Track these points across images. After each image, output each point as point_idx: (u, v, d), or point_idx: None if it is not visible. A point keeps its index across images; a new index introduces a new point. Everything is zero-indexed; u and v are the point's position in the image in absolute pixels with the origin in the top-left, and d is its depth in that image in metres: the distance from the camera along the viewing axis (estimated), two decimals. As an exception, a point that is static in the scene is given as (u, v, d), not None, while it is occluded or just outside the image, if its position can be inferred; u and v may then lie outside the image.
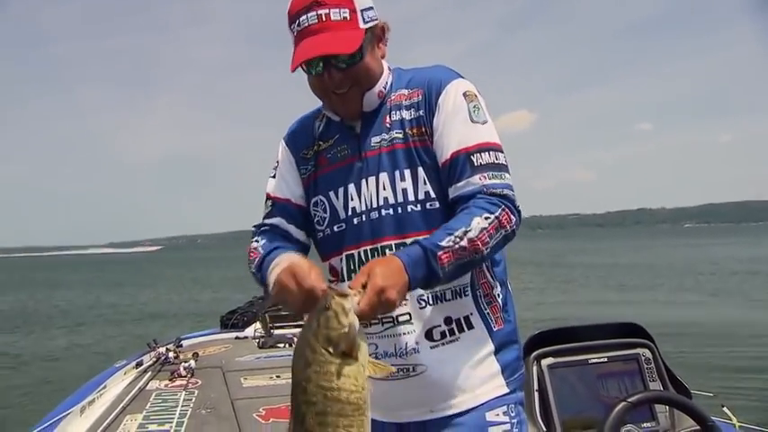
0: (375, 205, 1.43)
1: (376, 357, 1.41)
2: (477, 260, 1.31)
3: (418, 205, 1.41)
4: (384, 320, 1.42)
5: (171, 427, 3.26)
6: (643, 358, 2.44)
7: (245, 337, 5.62)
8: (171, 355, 4.53)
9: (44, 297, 25.99)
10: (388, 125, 1.46)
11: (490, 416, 1.43)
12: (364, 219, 1.44)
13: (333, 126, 1.53)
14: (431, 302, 1.42)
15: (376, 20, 1.44)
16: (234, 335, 5.73)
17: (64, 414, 3.26)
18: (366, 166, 1.45)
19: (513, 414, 1.45)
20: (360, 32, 1.38)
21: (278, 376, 4.06)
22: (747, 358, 8.87)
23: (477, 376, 1.44)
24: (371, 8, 1.43)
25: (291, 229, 1.53)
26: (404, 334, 1.42)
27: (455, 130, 1.39)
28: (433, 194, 1.41)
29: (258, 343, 5.25)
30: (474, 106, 1.42)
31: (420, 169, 1.41)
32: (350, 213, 1.46)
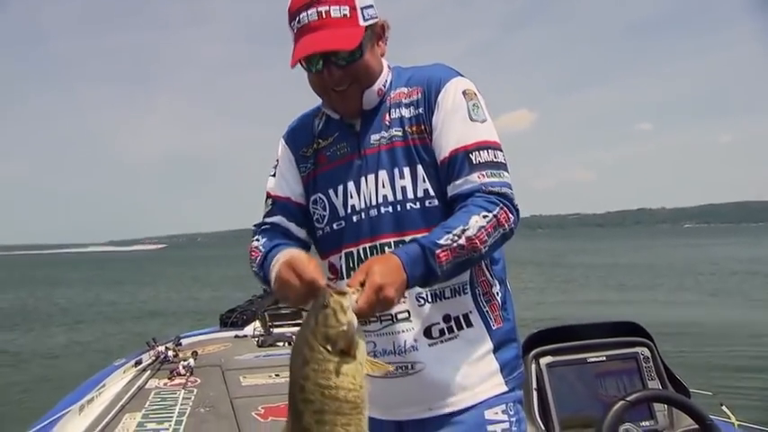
0: (374, 203, 1.43)
1: (374, 355, 1.41)
2: (475, 258, 1.31)
3: (417, 203, 1.41)
4: (382, 318, 1.42)
5: (170, 425, 3.26)
6: (642, 357, 2.44)
7: (245, 336, 5.62)
8: (170, 353, 4.53)
9: (44, 295, 25.99)
10: (387, 123, 1.46)
11: (489, 414, 1.43)
12: (363, 216, 1.44)
13: (332, 124, 1.53)
14: (430, 300, 1.42)
15: (376, 18, 1.44)
16: (233, 333, 5.73)
17: (63, 412, 3.26)
18: (365, 164, 1.45)
19: (511, 412, 1.45)
20: (360, 30, 1.38)
21: (277, 375, 4.06)
22: (747, 358, 8.89)
23: (476, 374, 1.44)
24: (371, 6, 1.43)
25: (292, 227, 1.53)
26: (402, 332, 1.42)
27: (454, 129, 1.39)
28: (432, 192, 1.41)
29: (257, 341, 5.25)
30: (473, 105, 1.42)
31: (419, 167, 1.42)
32: (349, 211, 1.46)
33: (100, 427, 3.20)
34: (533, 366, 2.36)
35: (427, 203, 1.41)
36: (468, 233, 1.27)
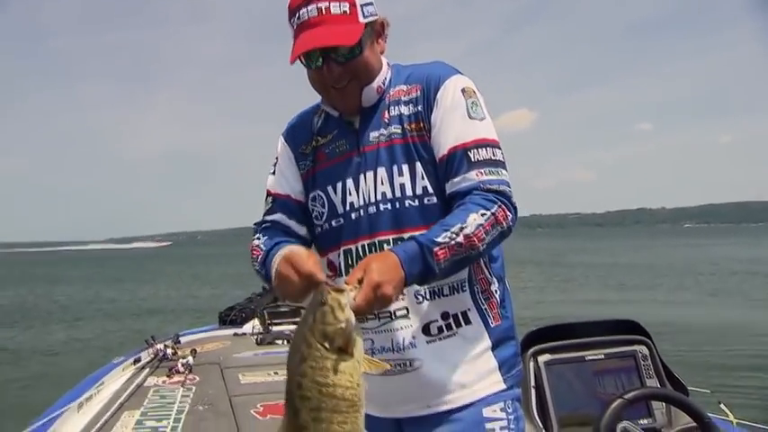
0: (373, 200, 1.43)
1: (372, 353, 1.42)
2: (473, 256, 1.31)
3: (416, 200, 1.41)
4: (381, 315, 1.42)
5: (168, 423, 3.26)
6: (640, 355, 2.44)
7: (244, 334, 5.62)
8: (169, 351, 4.53)
9: (44, 292, 26.00)
10: (386, 120, 1.46)
11: (487, 412, 1.42)
12: (362, 213, 1.44)
13: (331, 121, 1.53)
14: (428, 297, 1.42)
15: (376, 15, 1.44)
16: (232, 331, 5.74)
17: (62, 410, 3.26)
18: (364, 161, 1.45)
19: (510, 410, 1.45)
20: (359, 26, 1.38)
21: (276, 373, 4.06)
22: (746, 357, 8.91)
23: (475, 372, 1.44)
24: (371, 3, 1.43)
25: (292, 224, 1.53)
26: (401, 329, 1.42)
27: (453, 126, 1.39)
28: (430, 189, 1.41)
29: (256, 339, 5.25)
30: (472, 102, 1.42)
31: (418, 164, 1.42)
32: (348, 208, 1.46)
33: (99, 425, 3.20)
34: (532, 364, 2.36)
35: (426, 201, 1.41)
36: (467, 231, 1.27)
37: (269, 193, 1.58)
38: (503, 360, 1.47)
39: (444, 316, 1.43)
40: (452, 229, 1.26)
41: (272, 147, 1.65)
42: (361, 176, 1.45)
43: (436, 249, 1.24)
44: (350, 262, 1.46)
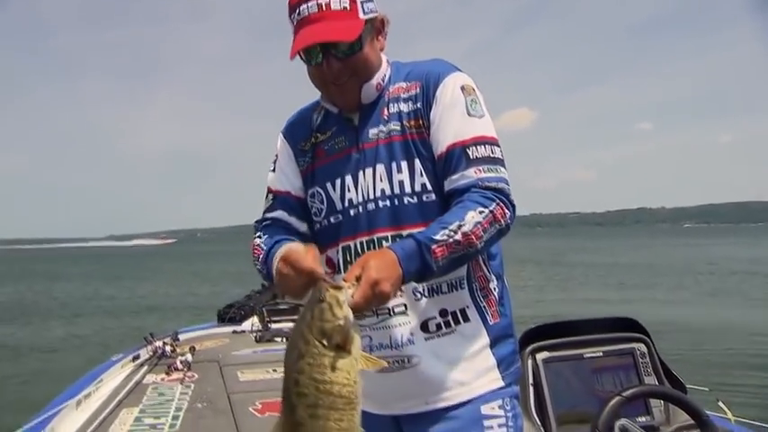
0: (372, 197, 1.43)
1: (370, 349, 1.42)
2: (471, 254, 1.31)
3: (414, 197, 1.41)
4: (379, 312, 1.42)
5: (167, 420, 3.26)
6: (638, 353, 2.44)
7: (243, 332, 5.61)
8: (168, 348, 4.52)
9: (43, 289, 25.99)
10: (385, 117, 1.46)
11: (485, 409, 1.43)
12: (361, 210, 1.44)
13: (331, 118, 1.53)
14: (426, 295, 1.42)
15: (376, 12, 1.44)
16: (231, 329, 5.73)
17: (60, 407, 3.26)
18: (363, 158, 1.45)
19: (508, 408, 1.45)
20: (359, 22, 1.38)
21: (274, 370, 4.06)
22: (745, 356, 8.93)
23: (473, 369, 1.44)
24: (371, 0, 1.43)
25: (293, 221, 1.54)
26: (399, 325, 1.42)
27: (452, 123, 1.39)
28: (429, 186, 1.41)
29: (255, 337, 5.25)
30: (471, 100, 1.42)
31: (417, 161, 1.41)
32: (347, 205, 1.46)
33: (97, 422, 3.20)
34: (530, 362, 2.36)
35: (424, 198, 1.41)
36: (465, 229, 1.27)
37: (269, 191, 1.58)
38: (501, 357, 1.47)
39: (443, 313, 1.43)
40: (450, 227, 1.26)
41: (271, 144, 1.66)
42: (360, 173, 1.45)
43: (434, 247, 1.24)
44: (348, 259, 1.46)
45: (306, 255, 1.20)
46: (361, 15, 1.39)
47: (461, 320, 1.43)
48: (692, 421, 1.95)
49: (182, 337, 5.08)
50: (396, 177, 1.42)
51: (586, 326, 2.50)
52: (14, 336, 13.55)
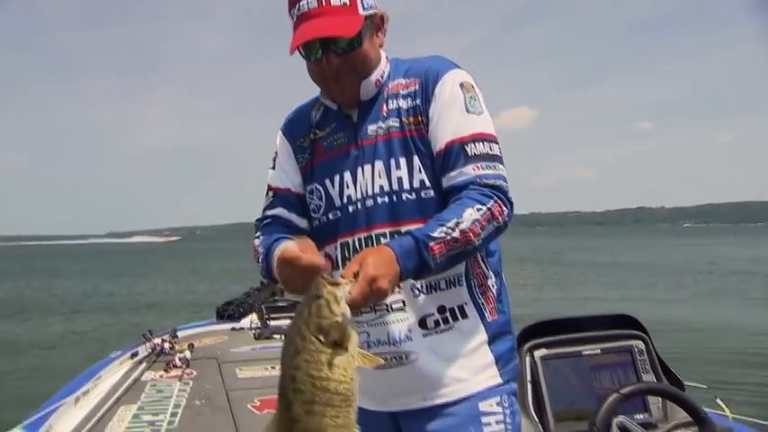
0: (370, 193, 1.43)
1: (368, 346, 1.41)
2: (468, 251, 1.31)
3: (413, 194, 1.41)
4: (377, 309, 1.42)
5: (165, 417, 3.26)
6: (636, 350, 2.45)
7: (241, 329, 5.61)
8: (166, 345, 4.52)
9: (42, 285, 25.98)
10: (384, 114, 1.46)
11: (483, 406, 1.43)
12: (360, 206, 1.44)
13: (330, 114, 1.53)
14: (425, 291, 1.42)
15: (375, 8, 1.44)
16: (230, 326, 5.73)
17: (59, 404, 3.26)
18: (362, 154, 1.45)
19: (506, 404, 1.45)
20: (359, 18, 1.38)
21: (273, 367, 4.05)
22: (743, 355, 8.94)
23: (471, 366, 1.44)
24: None
25: (293, 218, 1.54)
26: (397, 322, 1.42)
27: (450, 120, 1.39)
28: (428, 183, 1.41)
29: (254, 334, 5.24)
30: (470, 97, 1.42)
31: (415, 158, 1.41)
32: (345, 201, 1.46)
33: (95, 419, 3.20)
34: (528, 359, 2.36)
35: (423, 194, 1.41)
36: (462, 226, 1.27)
37: (269, 188, 1.58)
38: (499, 354, 1.47)
39: (441, 310, 1.43)
40: (448, 224, 1.26)
41: (271, 142, 1.66)
42: (359, 169, 1.45)
43: (432, 244, 1.24)
44: (347, 255, 1.46)
45: (302, 250, 1.20)
46: (360, 11, 1.39)
47: (459, 317, 1.43)
48: (690, 418, 1.95)
49: (180, 334, 5.07)
50: (394, 174, 1.42)
51: (584, 323, 2.50)
52: (13, 332, 13.54)
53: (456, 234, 1.26)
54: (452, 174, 1.37)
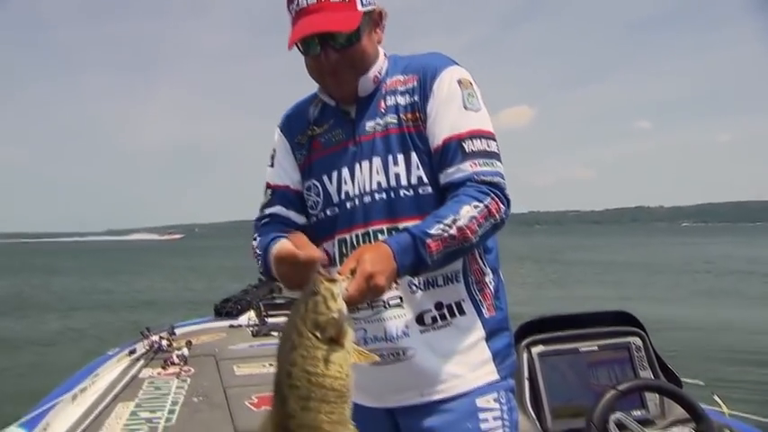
0: (368, 189, 1.43)
1: (365, 342, 1.42)
2: (466, 248, 1.31)
3: (411, 190, 1.41)
4: (374, 305, 1.42)
5: (163, 414, 3.25)
6: (634, 347, 2.45)
7: (239, 326, 5.60)
8: (164, 343, 4.50)
9: (40, 282, 25.94)
10: (382, 110, 1.46)
11: (481, 402, 1.43)
12: (357, 203, 1.44)
13: (328, 111, 1.53)
14: (422, 288, 1.42)
15: (374, 5, 1.44)
16: (228, 323, 5.72)
17: (56, 401, 3.25)
18: (360, 151, 1.45)
19: (503, 401, 1.46)
20: (358, 14, 1.38)
21: (271, 364, 4.04)
22: (741, 353, 8.96)
23: (468, 362, 1.44)
24: None
25: (292, 215, 1.54)
26: (394, 318, 1.42)
27: (448, 117, 1.39)
28: (425, 179, 1.41)
29: (252, 331, 5.23)
30: (468, 94, 1.42)
31: (413, 154, 1.41)
32: (343, 197, 1.46)
33: (93, 416, 3.19)
34: (525, 356, 2.36)
35: (421, 191, 1.41)
36: (459, 223, 1.27)
37: (268, 186, 1.57)
38: (496, 351, 1.47)
39: (438, 306, 1.43)
40: (445, 221, 1.26)
41: (271, 140, 1.65)
42: (357, 166, 1.45)
43: (429, 241, 1.24)
44: (344, 251, 1.46)
45: (297, 246, 1.20)
46: (359, 7, 1.39)
47: (457, 313, 1.44)
48: (687, 415, 1.96)
49: (178, 331, 5.06)
50: (392, 170, 1.42)
51: (582, 320, 2.51)
52: (11, 329, 13.50)
53: (453, 231, 1.26)
54: (450, 170, 1.37)
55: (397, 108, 1.44)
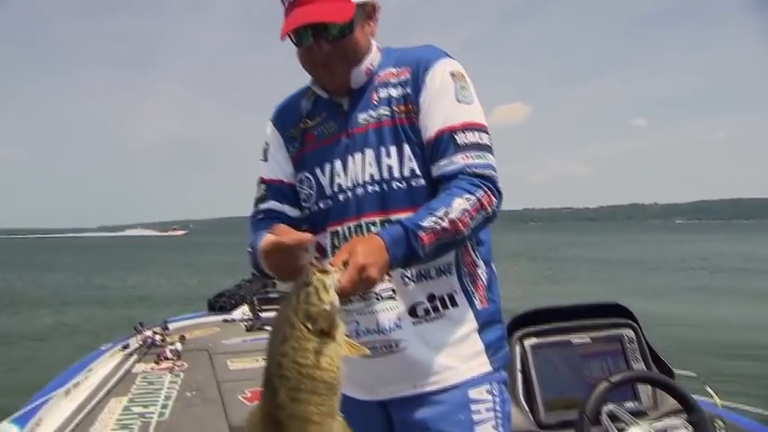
0: (361, 181, 1.43)
1: (357, 335, 1.41)
2: (458, 241, 1.31)
3: (403, 182, 1.41)
4: (366, 297, 1.41)
5: (156, 409, 3.25)
6: (626, 338, 2.45)
7: (233, 320, 5.58)
8: (157, 337, 4.49)
9: (34, 278, 25.85)
10: (375, 102, 1.45)
11: (473, 393, 1.43)
12: (350, 195, 1.44)
13: (320, 103, 1.52)
14: (415, 280, 1.42)
15: None
16: (221, 318, 5.70)
17: (49, 396, 3.24)
18: (353, 143, 1.45)
19: (496, 392, 1.46)
20: (351, 5, 1.38)
21: (264, 359, 4.04)
22: (734, 347, 9.02)
23: (461, 354, 1.44)
24: None
25: (286, 209, 1.53)
26: (386, 310, 1.42)
27: (441, 109, 1.39)
28: (418, 172, 1.41)
29: (245, 326, 5.23)
30: (461, 86, 1.42)
31: (406, 146, 1.41)
32: (336, 189, 1.46)
33: (86, 411, 3.18)
34: (518, 348, 2.36)
35: (413, 183, 1.41)
36: (452, 216, 1.27)
37: (262, 180, 1.57)
38: (489, 343, 1.47)
39: (430, 298, 1.43)
40: (437, 214, 1.26)
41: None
42: (350, 158, 1.44)
43: (421, 233, 1.24)
44: (337, 243, 1.46)
45: (278, 234, 1.17)
46: None
47: (449, 305, 1.44)
48: (680, 406, 1.96)
49: (171, 326, 5.05)
50: (384, 162, 1.41)
51: (575, 312, 2.51)
52: (3, 324, 13.46)
53: (445, 224, 1.26)
54: (442, 162, 1.37)
55: (389, 100, 1.44)
